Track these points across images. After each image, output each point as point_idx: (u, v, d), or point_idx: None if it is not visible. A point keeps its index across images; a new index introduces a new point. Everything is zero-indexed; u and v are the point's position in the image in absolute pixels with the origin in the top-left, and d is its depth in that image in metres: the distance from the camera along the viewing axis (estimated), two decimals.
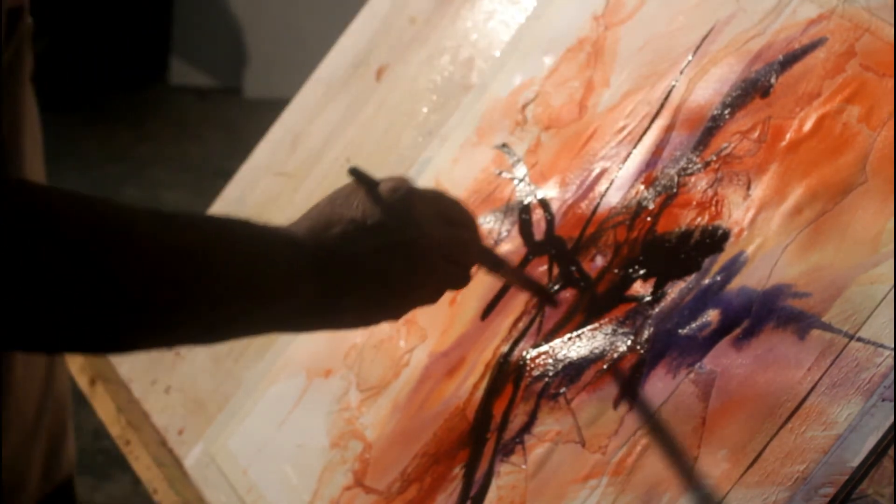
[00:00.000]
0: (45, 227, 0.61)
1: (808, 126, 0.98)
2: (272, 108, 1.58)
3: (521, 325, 1.06)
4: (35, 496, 0.87)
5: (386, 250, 0.79)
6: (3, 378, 0.77)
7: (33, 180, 0.70)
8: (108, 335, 0.66)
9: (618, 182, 1.07)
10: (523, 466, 1.00)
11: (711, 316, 0.96)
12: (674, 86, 1.08)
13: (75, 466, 0.91)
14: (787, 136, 0.99)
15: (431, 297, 0.88)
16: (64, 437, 0.91)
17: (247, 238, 0.74)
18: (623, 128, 1.09)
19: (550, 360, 1.03)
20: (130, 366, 1.38)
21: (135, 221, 0.66)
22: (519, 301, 1.08)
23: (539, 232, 1.10)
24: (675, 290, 0.99)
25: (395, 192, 0.82)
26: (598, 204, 1.07)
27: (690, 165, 1.03)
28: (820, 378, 0.88)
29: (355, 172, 0.83)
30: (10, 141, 0.76)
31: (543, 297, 1.04)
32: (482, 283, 1.10)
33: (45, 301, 0.61)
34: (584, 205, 1.08)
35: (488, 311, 1.09)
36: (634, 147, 1.08)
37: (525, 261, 1.10)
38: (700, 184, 1.02)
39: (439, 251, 0.84)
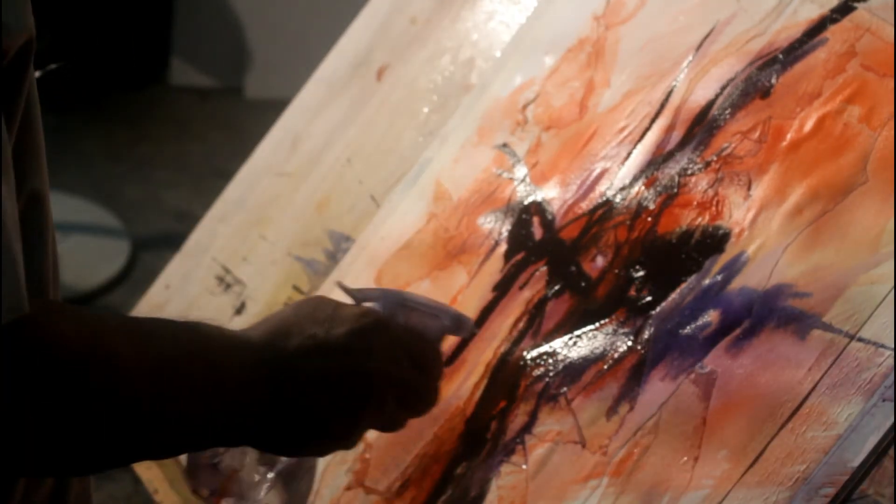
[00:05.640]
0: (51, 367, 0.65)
1: (808, 126, 0.98)
2: (273, 109, 1.57)
3: (521, 326, 1.06)
4: None
5: (335, 375, 0.76)
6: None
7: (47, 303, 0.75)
8: (91, 456, 0.69)
9: (618, 182, 1.07)
10: (524, 466, 1.00)
11: (712, 316, 0.96)
12: (674, 86, 1.08)
13: None
14: (788, 137, 0.99)
15: (353, 435, 0.81)
16: None
17: (205, 342, 0.74)
18: (624, 128, 1.09)
19: (551, 361, 1.03)
20: None
21: (119, 344, 0.68)
22: (519, 301, 1.08)
23: (539, 232, 1.10)
24: (675, 291, 0.99)
25: (362, 318, 0.79)
26: (599, 204, 1.07)
27: (691, 165, 1.03)
28: (820, 378, 0.88)
29: (344, 287, 0.83)
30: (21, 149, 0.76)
31: None
32: (481, 285, 1.10)
33: (40, 427, 0.65)
34: (584, 205, 1.08)
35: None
36: (635, 147, 1.08)
37: (524, 262, 1.10)
38: (701, 184, 1.02)
39: (392, 391, 0.79)
